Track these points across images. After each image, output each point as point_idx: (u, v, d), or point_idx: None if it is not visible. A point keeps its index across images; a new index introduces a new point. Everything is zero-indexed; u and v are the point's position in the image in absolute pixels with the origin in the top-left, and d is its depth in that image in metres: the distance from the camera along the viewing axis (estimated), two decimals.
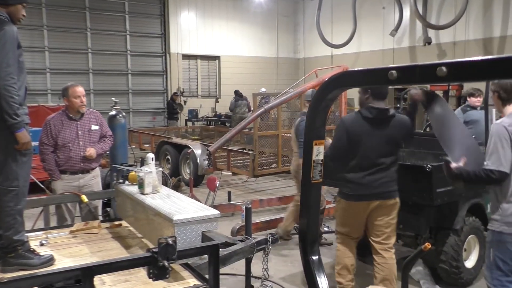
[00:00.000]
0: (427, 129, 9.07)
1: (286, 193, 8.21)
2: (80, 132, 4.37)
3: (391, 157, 3.69)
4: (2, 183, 2.88)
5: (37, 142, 4.35)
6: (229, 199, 6.71)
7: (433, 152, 4.95)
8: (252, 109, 12.60)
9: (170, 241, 2.14)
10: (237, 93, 15.03)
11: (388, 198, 3.70)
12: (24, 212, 3.03)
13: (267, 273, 3.14)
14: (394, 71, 1.24)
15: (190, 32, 17.74)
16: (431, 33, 14.78)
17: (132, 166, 3.96)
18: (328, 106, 1.66)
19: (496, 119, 3.52)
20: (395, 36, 15.71)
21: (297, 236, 5.26)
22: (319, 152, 1.74)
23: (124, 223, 3.86)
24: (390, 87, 6.43)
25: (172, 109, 16.07)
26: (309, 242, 1.76)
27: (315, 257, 1.76)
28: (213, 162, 8.76)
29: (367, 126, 3.65)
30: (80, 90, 4.39)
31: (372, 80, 1.48)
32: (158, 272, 2.13)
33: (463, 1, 12.98)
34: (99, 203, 4.52)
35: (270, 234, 3.14)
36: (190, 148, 8.82)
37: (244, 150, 9.83)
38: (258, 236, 3.41)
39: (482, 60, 1.05)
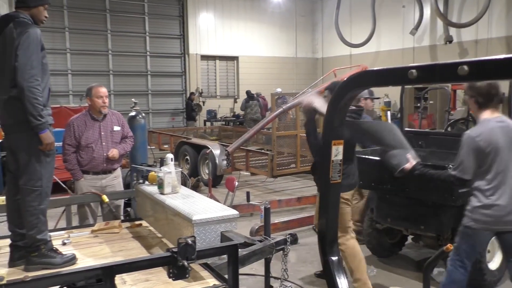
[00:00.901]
0: (448, 129, 8.95)
1: (305, 193, 8.18)
2: (103, 133, 4.42)
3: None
4: (26, 183, 2.94)
5: (60, 143, 4.42)
6: (248, 199, 6.71)
7: (454, 152, 4.87)
8: (269, 108, 12.59)
9: (189, 241, 2.16)
10: (248, 94, 15.01)
11: None
12: (47, 212, 3.09)
13: (286, 273, 3.13)
14: (414, 70, 1.23)
15: (208, 33, 17.83)
16: (452, 31, 14.55)
17: (152, 166, 4.00)
18: (347, 105, 1.65)
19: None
20: (415, 34, 15.51)
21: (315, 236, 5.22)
22: (338, 152, 1.73)
23: (144, 223, 3.90)
24: (410, 86, 6.39)
25: (190, 109, 16.16)
26: (328, 242, 1.75)
27: (334, 258, 1.75)
28: (232, 162, 8.78)
29: None
30: (103, 90, 4.45)
31: (391, 79, 1.46)
32: (178, 271, 2.14)
33: None
34: (121, 203, 4.57)
35: (289, 234, 3.13)
36: (209, 148, 8.85)
37: (263, 150, 9.82)
38: (277, 236, 3.40)
39: (505, 59, 1.03)
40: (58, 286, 2.21)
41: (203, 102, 17.19)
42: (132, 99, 5.56)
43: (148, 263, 2.29)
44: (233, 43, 18.41)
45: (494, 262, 4.43)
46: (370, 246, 5.10)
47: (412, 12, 15.78)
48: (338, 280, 1.71)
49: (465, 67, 1.08)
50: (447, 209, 4.13)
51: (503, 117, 3.24)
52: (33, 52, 2.86)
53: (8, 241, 3.13)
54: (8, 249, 3.09)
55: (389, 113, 11.95)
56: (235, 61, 18.93)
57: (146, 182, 3.84)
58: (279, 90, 15.07)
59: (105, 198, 4.06)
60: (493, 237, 4.30)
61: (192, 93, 16.67)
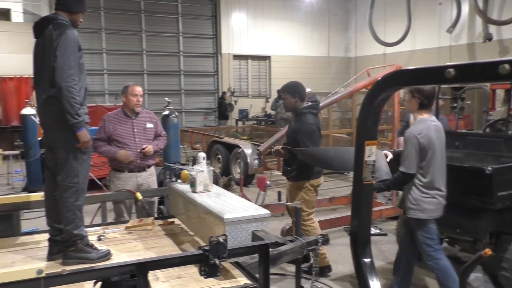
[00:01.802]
0: (487, 130, 8.67)
1: (337, 194, 8.10)
2: (136, 130, 4.50)
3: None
4: (64, 180, 3.04)
5: None
6: (279, 199, 6.70)
7: (493, 153, 4.73)
8: None
9: (221, 239, 2.17)
10: (279, 93, 14.98)
11: None
12: (83, 208, 3.18)
13: (317, 274, 3.11)
14: (451, 70, 1.20)
15: (241, 33, 17.90)
16: (492, 29, 14.09)
17: (184, 165, 4.05)
18: (381, 106, 1.63)
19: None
20: (452, 33, 15.11)
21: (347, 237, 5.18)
22: (371, 152, 1.71)
23: (176, 221, 3.95)
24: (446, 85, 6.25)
25: (223, 108, 16.25)
26: (361, 243, 1.73)
27: (367, 259, 1.73)
28: (263, 162, 8.79)
29: None
30: (139, 89, 4.54)
31: (427, 79, 1.43)
32: (209, 269, 2.16)
33: None
34: (154, 200, 4.65)
35: (320, 235, 3.11)
36: (241, 147, 8.90)
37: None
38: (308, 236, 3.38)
39: None
40: (93, 281, 2.27)
41: (235, 102, 17.28)
42: (166, 98, 5.64)
43: (180, 260, 2.32)
44: (265, 42, 18.42)
45: None
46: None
47: (449, 9, 15.38)
48: (370, 282, 1.69)
49: (507, 66, 1.05)
50: (485, 212, 4.01)
51: (434, 117, 3.70)
52: (71, 53, 2.94)
53: (47, 236, 3.24)
54: (47, 243, 3.19)
55: None
56: (267, 61, 18.94)
57: (179, 181, 3.90)
58: (308, 90, 14.98)
59: (139, 195, 4.14)
60: None
61: (224, 92, 16.79)
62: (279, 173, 9.16)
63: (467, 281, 3.44)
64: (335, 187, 9.09)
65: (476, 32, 14.81)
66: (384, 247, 5.52)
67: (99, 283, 2.26)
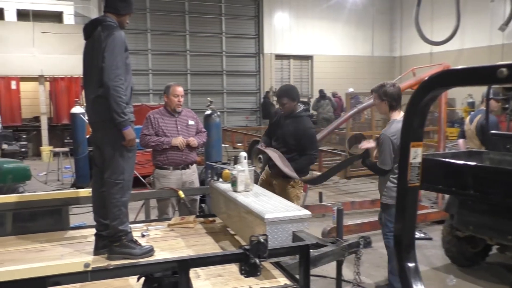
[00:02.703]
0: None
1: (376, 196, 7.95)
2: (179, 127, 4.59)
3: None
4: (110, 176, 3.13)
5: None
6: (320, 200, 6.66)
7: None
8: (345, 108, 12.37)
9: (261, 239, 2.18)
10: (321, 93, 14.81)
11: None
12: (128, 204, 3.26)
13: (358, 277, 3.07)
14: (504, 69, 1.15)
15: (283, 32, 17.88)
16: None
17: (226, 164, 4.08)
18: (427, 107, 1.59)
19: None
20: (505, 30, 14.48)
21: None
22: (416, 154, 1.67)
23: (217, 219, 4.00)
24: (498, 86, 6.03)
25: (267, 108, 16.20)
26: (405, 247, 1.69)
27: (411, 264, 1.68)
28: None
29: None
30: (180, 90, 4.62)
31: (477, 79, 1.38)
32: (250, 269, 2.17)
33: None
34: (197, 198, 4.71)
35: (362, 237, 3.05)
36: None
37: (336, 151, 9.67)
38: (350, 239, 3.34)
39: None
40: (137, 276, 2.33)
41: (305, 103, 17.26)
42: (208, 98, 5.71)
43: (221, 259, 2.34)
44: (307, 42, 18.31)
45: None
46: (450, 254, 4.86)
47: (502, 6, 14.75)
48: (414, 287, 1.65)
49: None
50: None
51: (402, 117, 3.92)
52: (118, 54, 3.03)
53: (93, 231, 3.35)
54: (93, 238, 3.31)
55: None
56: (310, 60, 18.82)
57: (220, 180, 3.94)
58: (351, 90, 14.78)
59: (181, 193, 4.21)
60: None
61: (268, 92, 16.79)
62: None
63: None
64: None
65: None
66: (429, 252, 5.37)
67: (142, 278, 2.32)
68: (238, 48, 17.62)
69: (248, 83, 18.01)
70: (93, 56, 3.10)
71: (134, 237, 3.26)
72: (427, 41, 16.59)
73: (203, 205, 4.64)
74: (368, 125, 8.91)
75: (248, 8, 17.74)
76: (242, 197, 3.30)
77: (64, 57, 13.25)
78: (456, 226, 4.55)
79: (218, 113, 5.63)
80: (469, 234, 4.49)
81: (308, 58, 18.76)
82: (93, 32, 3.14)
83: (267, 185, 4.52)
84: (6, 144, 11.14)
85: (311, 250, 2.45)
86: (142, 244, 3.22)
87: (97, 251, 3.22)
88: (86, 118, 7.69)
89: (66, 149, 10.83)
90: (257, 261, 2.16)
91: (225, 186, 3.68)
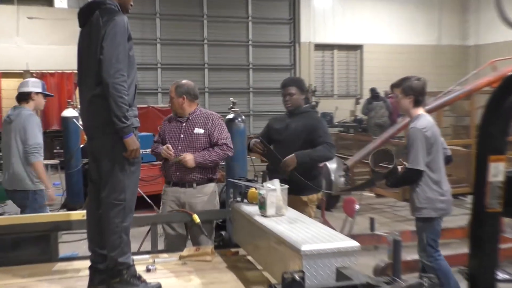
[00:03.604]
0: None
1: (448, 223, 7.79)
2: (182, 135, 4.60)
3: None
4: (109, 196, 3.17)
5: (147, 150, 4.69)
6: (372, 228, 6.58)
7: None
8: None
9: (297, 276, 2.17)
10: (373, 92, 14.63)
11: None
12: (130, 231, 3.30)
13: None
14: None
15: (325, 17, 17.88)
16: None
17: (252, 181, 4.09)
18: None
19: None
20: None
21: None
22: (497, 171, 1.64)
23: (241, 251, 4.00)
24: None
25: None
26: None
27: None
28: (351, 180, 8.68)
29: None
30: (171, 89, 4.67)
31: None
32: None
33: None
34: (215, 224, 4.73)
35: (425, 276, 3.00)
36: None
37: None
38: (410, 278, 3.29)
39: None
40: None
41: (317, 103, 17.24)
42: (231, 99, 5.73)
43: None
44: (356, 28, 18.25)
45: None
46: None
47: None
48: None
49: None
50: None
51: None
52: (119, 43, 3.08)
53: (87, 263, 3.38)
54: (87, 272, 3.34)
55: None
56: (358, 51, 18.75)
57: (245, 201, 3.94)
58: None
59: (196, 218, 4.22)
60: None
61: (307, 91, 16.82)
62: (372, 194, 9.01)
63: None
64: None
65: None
66: None
67: None
68: (268, 36, 17.70)
69: (280, 80, 17.86)
70: (90, 46, 3.16)
71: (138, 272, 3.28)
72: None
73: (223, 232, 4.65)
74: None
75: None
76: (272, 223, 3.29)
77: (55, 48, 13.54)
78: None
79: (243, 117, 5.64)
80: None
81: (357, 48, 18.70)
82: (90, 17, 3.20)
83: None
84: None
85: None
86: (148, 281, 3.25)
87: (92, 287, 3.26)
88: (80, 123, 7.84)
89: (55, 161, 11.03)
90: None
91: (251, 209, 3.68)
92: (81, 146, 8.81)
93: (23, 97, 5.32)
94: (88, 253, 3.40)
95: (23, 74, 13.73)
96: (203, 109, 4.83)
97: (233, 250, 4.07)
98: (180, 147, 4.55)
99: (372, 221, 6.63)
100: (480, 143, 1.67)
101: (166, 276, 3.53)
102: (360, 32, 18.35)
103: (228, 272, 3.64)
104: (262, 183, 3.69)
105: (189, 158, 4.43)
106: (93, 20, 3.18)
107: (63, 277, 3.53)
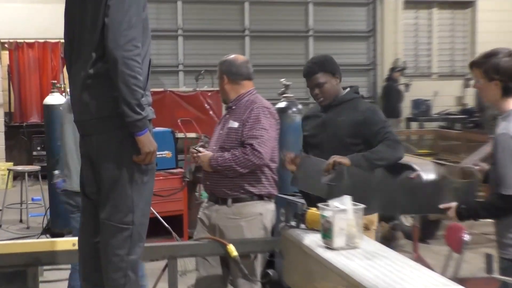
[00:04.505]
0: None
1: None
2: (221, 131, 4.74)
3: None
4: (110, 217, 3.22)
5: (163, 152, 4.73)
6: (489, 269, 6.50)
7: None
8: None
9: None
10: None
11: None
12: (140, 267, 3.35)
13: None
14: None
15: None
16: None
17: (312, 198, 4.09)
18: None
19: None
20: None
21: None
22: None
23: None
24: None
25: (394, 97, 16.06)
26: None
27: None
28: None
29: None
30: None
31: None
32: None
33: None
34: (259, 259, 4.75)
35: None
36: (416, 170, 8.77)
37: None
38: None
39: None
40: None
41: (407, 85, 17.06)
42: (282, 80, 5.75)
43: None
44: None
45: None
46: None
47: None
48: None
49: None
50: None
51: None
52: (132, 3, 3.12)
53: None
54: None
55: None
56: (469, 10, 18.50)
57: (302, 226, 3.95)
58: None
59: (232, 249, 4.24)
60: None
61: (393, 69, 16.63)
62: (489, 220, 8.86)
63: None
64: None
65: None
66: None
67: None
68: None
69: (354, 53, 17.96)
70: (85, 7, 3.21)
71: None
72: None
73: (270, 271, 4.67)
74: None
75: None
76: (342, 259, 3.29)
77: (35, 9, 13.78)
78: None
79: (300, 106, 5.65)
80: None
81: (466, 5, 18.45)
82: None
83: None
84: None
85: None
86: None
87: None
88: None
89: (35, 167, 11.16)
90: None
91: (312, 238, 3.69)
92: None
93: None
94: None
95: None
96: (255, 96, 4.83)
97: None
98: (215, 147, 4.66)
99: (489, 258, 6.55)
100: None
101: None
102: None
103: None
104: (326, 201, 3.67)
105: (205, 159, 4.52)
106: None
107: None
